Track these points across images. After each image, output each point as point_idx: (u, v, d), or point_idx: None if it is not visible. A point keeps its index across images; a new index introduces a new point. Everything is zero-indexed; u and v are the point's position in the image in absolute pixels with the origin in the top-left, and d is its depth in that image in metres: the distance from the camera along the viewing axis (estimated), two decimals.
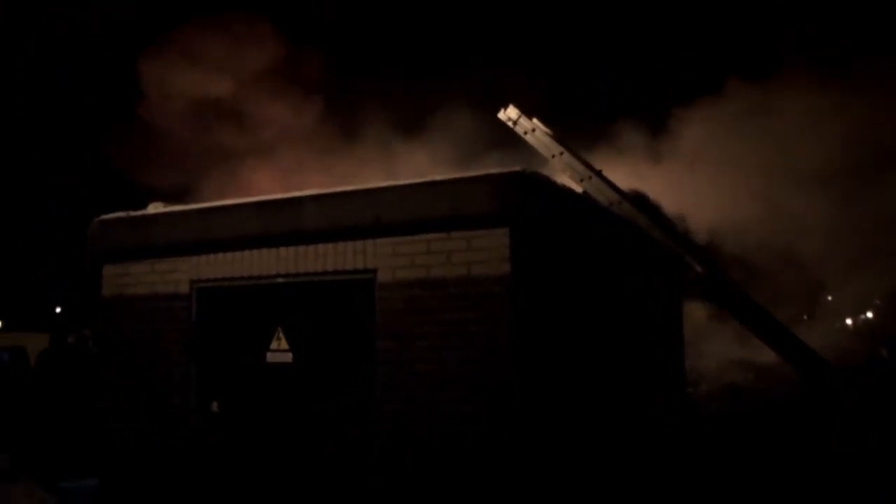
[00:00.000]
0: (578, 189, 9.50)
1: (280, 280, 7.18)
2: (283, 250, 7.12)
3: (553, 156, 10.16)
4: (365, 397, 6.64)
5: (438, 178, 6.55)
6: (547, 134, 10.38)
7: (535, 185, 6.35)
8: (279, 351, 7.17)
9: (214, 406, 7.41)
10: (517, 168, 6.24)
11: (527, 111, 10.93)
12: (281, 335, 7.17)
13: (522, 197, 6.18)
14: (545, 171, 7.35)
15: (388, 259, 6.61)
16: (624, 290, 8.46)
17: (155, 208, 8.15)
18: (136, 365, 7.87)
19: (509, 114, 10.89)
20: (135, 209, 8.19)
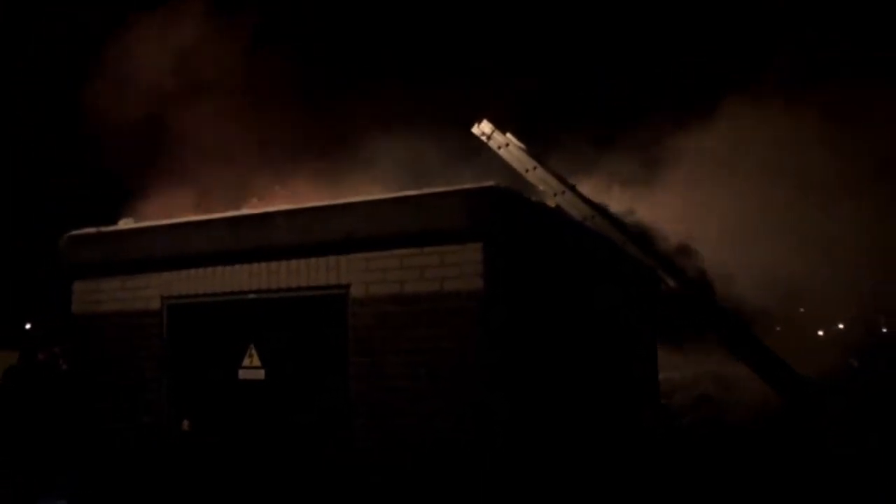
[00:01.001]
0: (552, 203, 9.54)
1: (252, 296, 7.13)
2: (254, 266, 7.07)
3: (527, 170, 10.21)
4: (337, 413, 6.60)
5: (411, 192, 6.53)
6: (520, 149, 10.43)
7: (507, 200, 6.36)
8: (251, 367, 7.11)
9: (185, 425, 7.33)
10: (490, 183, 6.25)
11: (502, 124, 10.97)
12: (253, 352, 7.12)
13: (495, 212, 6.18)
14: (519, 186, 7.38)
15: (361, 274, 6.59)
16: (598, 304, 8.49)
17: (125, 224, 8.07)
18: (106, 383, 7.77)
19: (483, 128, 10.93)
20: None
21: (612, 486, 8.06)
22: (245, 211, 7.32)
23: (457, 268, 6.19)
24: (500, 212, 6.23)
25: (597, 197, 11.11)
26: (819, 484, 8.74)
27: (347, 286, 6.64)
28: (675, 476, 9.26)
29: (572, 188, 9.77)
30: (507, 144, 10.57)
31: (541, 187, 9.91)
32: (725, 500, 8.72)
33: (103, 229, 8.00)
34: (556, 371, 7.19)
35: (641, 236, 10.00)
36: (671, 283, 9.47)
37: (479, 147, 11.33)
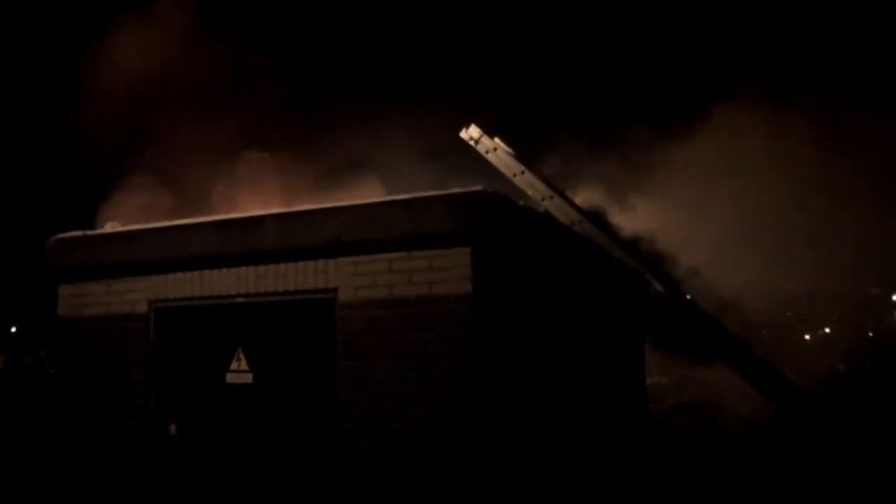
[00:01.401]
0: (540, 208, 9.55)
1: (240, 300, 7.11)
2: (242, 270, 7.05)
3: (514, 175, 10.21)
4: (326, 418, 6.58)
5: (399, 196, 6.53)
6: (508, 153, 10.43)
7: (495, 205, 6.37)
8: (239, 371, 7.09)
9: (172, 429, 7.30)
10: (478, 187, 6.25)
11: (500, 128, 10.96)
12: (241, 356, 7.09)
13: (483, 216, 6.19)
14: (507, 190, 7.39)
15: (350, 278, 6.58)
16: (586, 308, 8.50)
17: (112, 227, 8.04)
18: (92, 387, 7.73)
19: (471, 133, 10.92)
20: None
21: (603, 488, 8.07)
22: (233, 214, 7.29)
23: (445, 272, 6.19)
24: (488, 216, 6.23)
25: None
26: (814, 487, 8.77)
27: (335, 290, 6.63)
28: (664, 479, 9.29)
29: (560, 193, 9.78)
30: (496, 149, 10.56)
31: (529, 192, 9.91)
32: (717, 501, 8.75)
33: (90, 232, 7.97)
34: (545, 374, 7.20)
35: (629, 242, 10.03)
36: (659, 287, 9.48)
37: (468, 150, 11.36)
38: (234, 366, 7.11)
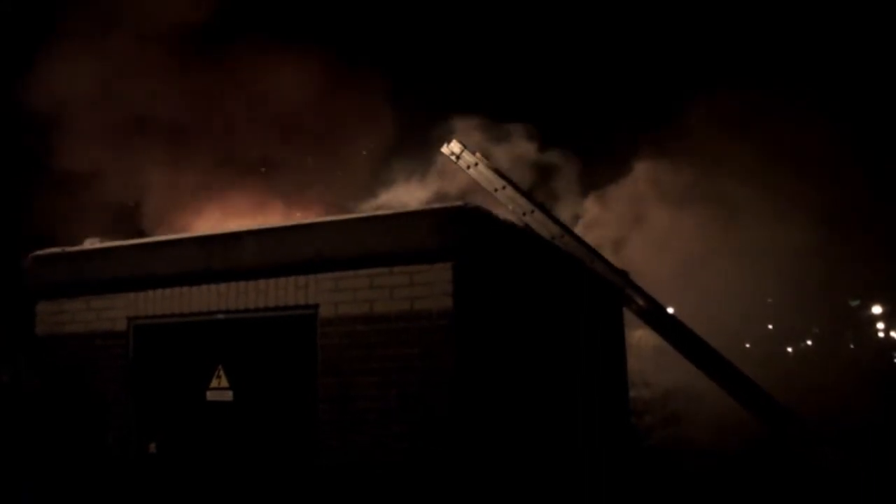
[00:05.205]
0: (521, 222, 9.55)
1: (220, 316, 7.07)
2: (222, 286, 7.02)
3: (496, 189, 10.17)
4: (307, 435, 6.55)
5: (380, 212, 6.54)
6: (490, 168, 10.42)
7: (477, 220, 6.37)
8: (219, 389, 7.04)
9: (152, 447, 7.23)
10: (459, 203, 6.26)
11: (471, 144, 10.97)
12: (221, 373, 7.05)
13: (465, 231, 6.19)
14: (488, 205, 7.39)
15: (330, 294, 6.56)
16: (568, 321, 8.50)
17: (91, 244, 7.99)
18: (71, 406, 7.64)
19: (452, 148, 10.87)
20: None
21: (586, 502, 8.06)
22: (213, 231, 7.26)
23: (427, 287, 6.19)
24: (469, 231, 6.23)
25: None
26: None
27: (316, 306, 6.61)
28: (643, 493, 9.30)
29: (541, 207, 9.76)
30: (477, 164, 10.54)
31: (510, 206, 9.89)
32: None
33: (68, 249, 7.91)
34: (528, 389, 7.19)
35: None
36: (640, 301, 9.48)
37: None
38: (214, 383, 7.06)
